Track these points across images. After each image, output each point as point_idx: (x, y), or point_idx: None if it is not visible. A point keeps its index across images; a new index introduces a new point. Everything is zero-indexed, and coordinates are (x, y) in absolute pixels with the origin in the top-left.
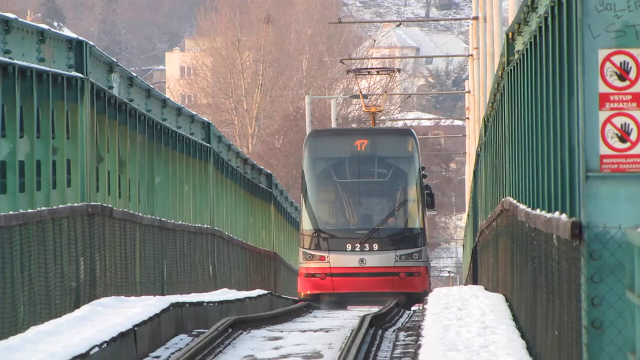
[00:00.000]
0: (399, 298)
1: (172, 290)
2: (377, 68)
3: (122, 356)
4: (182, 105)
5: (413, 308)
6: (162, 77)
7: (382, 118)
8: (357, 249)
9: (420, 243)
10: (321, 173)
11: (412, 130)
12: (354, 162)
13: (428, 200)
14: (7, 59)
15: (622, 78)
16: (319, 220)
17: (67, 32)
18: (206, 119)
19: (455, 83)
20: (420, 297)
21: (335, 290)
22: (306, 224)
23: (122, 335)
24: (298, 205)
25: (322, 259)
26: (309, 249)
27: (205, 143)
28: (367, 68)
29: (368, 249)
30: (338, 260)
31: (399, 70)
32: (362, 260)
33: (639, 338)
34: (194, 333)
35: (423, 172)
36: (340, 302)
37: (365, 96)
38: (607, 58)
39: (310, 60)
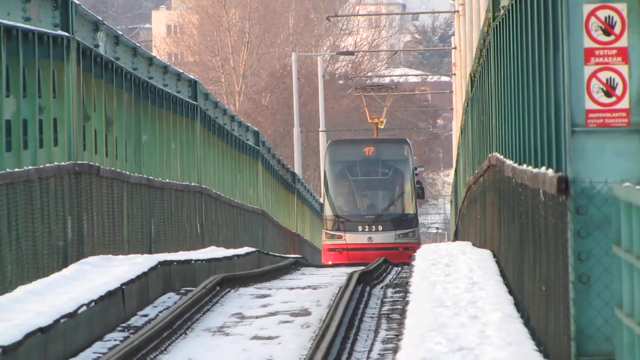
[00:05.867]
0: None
1: (160, 248)
2: (379, 85)
3: (110, 315)
4: (168, 64)
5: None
6: (148, 35)
7: (369, 74)
8: (366, 230)
9: (414, 225)
10: (339, 173)
11: (407, 140)
12: (363, 164)
13: (419, 191)
14: None
15: (607, 33)
16: (337, 208)
17: None
18: (193, 77)
19: (441, 39)
20: None
21: (350, 261)
22: (328, 211)
23: (110, 294)
24: (285, 163)
25: (339, 237)
26: (330, 230)
27: (192, 101)
28: (371, 85)
29: (374, 229)
30: (352, 238)
31: (396, 87)
32: (370, 238)
33: (626, 292)
34: (182, 291)
35: (416, 172)
36: None
37: (351, 53)
38: (592, 13)
39: (297, 18)
